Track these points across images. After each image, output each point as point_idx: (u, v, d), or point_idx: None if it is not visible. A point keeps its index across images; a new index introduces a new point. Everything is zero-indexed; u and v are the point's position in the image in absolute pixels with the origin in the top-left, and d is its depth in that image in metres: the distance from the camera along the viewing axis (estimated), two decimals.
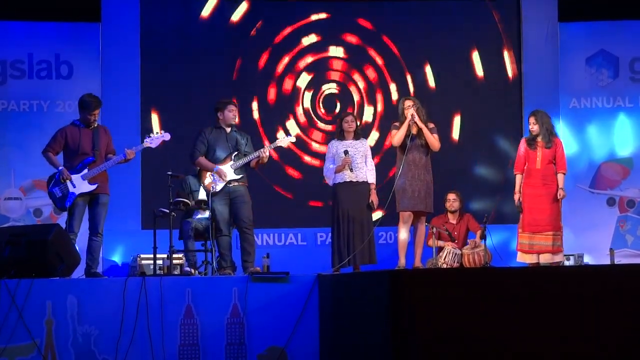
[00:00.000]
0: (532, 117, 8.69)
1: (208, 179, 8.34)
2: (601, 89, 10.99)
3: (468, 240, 9.60)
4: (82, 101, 8.12)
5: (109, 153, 8.17)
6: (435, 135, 8.59)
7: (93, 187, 7.98)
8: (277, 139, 8.69)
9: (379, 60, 10.92)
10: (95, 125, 8.15)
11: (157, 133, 8.39)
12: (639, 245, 10.78)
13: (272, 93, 10.81)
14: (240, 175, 8.36)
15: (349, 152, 8.72)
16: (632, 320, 5.42)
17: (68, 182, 7.92)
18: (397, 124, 8.64)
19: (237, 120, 8.56)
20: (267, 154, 8.37)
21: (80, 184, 7.95)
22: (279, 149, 9.43)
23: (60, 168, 7.98)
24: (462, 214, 9.94)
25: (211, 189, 8.29)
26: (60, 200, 7.98)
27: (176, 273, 8.52)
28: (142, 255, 9.37)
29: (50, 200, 8.12)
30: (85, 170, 7.98)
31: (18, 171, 10.36)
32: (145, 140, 8.29)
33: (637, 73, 10.97)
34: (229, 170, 8.31)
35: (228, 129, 8.43)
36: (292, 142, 8.80)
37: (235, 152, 8.35)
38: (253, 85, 10.81)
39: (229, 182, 8.29)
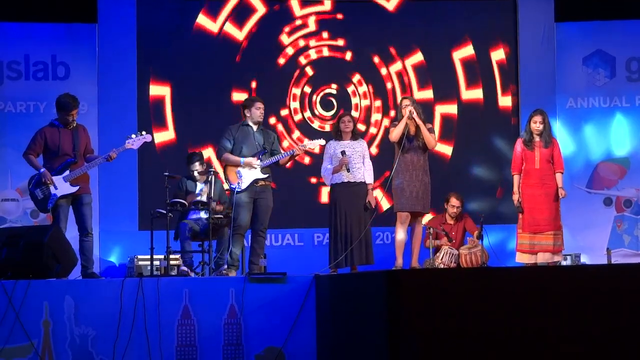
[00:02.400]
0: (539, 116, 8.58)
1: (234, 176, 8.22)
2: (598, 88, 10.99)
3: (467, 239, 9.60)
4: (59, 102, 7.99)
5: (87, 153, 8.06)
6: (433, 135, 8.60)
7: (75, 189, 7.89)
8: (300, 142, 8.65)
9: (376, 59, 10.92)
10: (74, 125, 8.03)
11: (138, 134, 8.16)
12: (636, 245, 10.78)
13: (270, 92, 10.82)
14: (267, 175, 8.27)
15: (346, 153, 8.71)
16: (629, 320, 5.42)
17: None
18: (396, 122, 8.65)
19: (262, 118, 8.41)
20: (302, 152, 8.39)
21: (61, 186, 7.87)
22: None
23: (41, 170, 7.90)
24: (459, 214, 9.94)
25: (236, 187, 8.21)
26: (41, 202, 7.92)
27: (173, 274, 8.51)
28: (139, 256, 9.40)
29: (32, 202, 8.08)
30: (67, 172, 7.90)
31: (15, 172, 10.32)
32: (127, 141, 8.07)
33: (633, 73, 10.97)
34: (257, 168, 8.20)
35: (255, 127, 8.35)
36: (321, 145, 8.73)
37: (264, 152, 8.26)
38: (252, 84, 10.79)
39: (256, 181, 8.22)
